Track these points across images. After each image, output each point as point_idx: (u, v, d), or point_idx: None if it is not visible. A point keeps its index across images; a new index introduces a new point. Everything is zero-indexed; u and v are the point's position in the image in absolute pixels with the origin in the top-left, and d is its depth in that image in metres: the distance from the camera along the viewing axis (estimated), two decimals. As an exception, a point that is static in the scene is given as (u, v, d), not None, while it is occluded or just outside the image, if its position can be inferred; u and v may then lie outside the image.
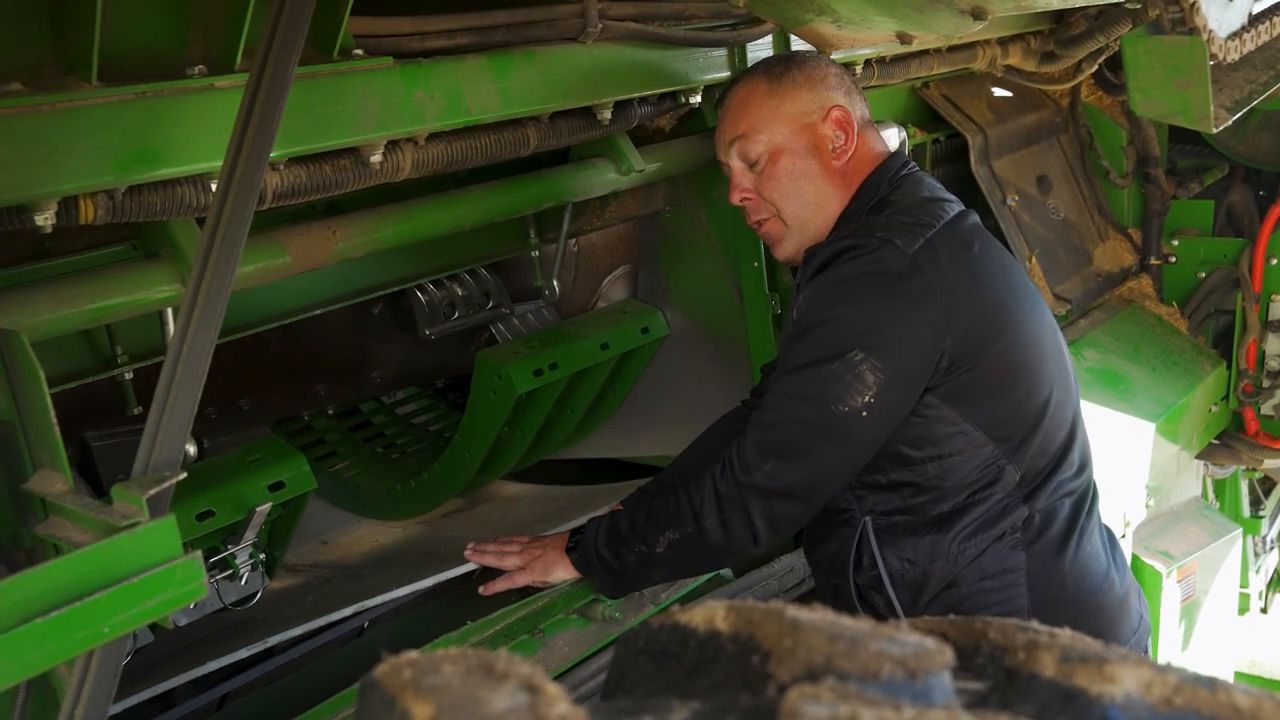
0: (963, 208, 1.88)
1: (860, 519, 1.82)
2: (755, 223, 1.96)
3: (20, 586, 1.00)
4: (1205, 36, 1.31)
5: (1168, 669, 0.68)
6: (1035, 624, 0.78)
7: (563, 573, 1.95)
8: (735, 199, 1.95)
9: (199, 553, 1.12)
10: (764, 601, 2.10)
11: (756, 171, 1.90)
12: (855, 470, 1.78)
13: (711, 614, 0.74)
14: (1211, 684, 0.69)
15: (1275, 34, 1.54)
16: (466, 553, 2.03)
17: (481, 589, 2.00)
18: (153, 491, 1.09)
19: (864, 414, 1.68)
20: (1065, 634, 0.74)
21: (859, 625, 0.67)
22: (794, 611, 0.69)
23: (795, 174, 1.87)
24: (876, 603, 1.84)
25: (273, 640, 1.85)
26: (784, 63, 1.91)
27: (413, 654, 0.67)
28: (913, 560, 1.79)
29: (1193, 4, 1.30)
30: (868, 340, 1.68)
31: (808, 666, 0.63)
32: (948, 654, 0.65)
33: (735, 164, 1.93)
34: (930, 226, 1.76)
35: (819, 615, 0.69)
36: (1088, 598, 1.84)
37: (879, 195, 1.86)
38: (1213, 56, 1.34)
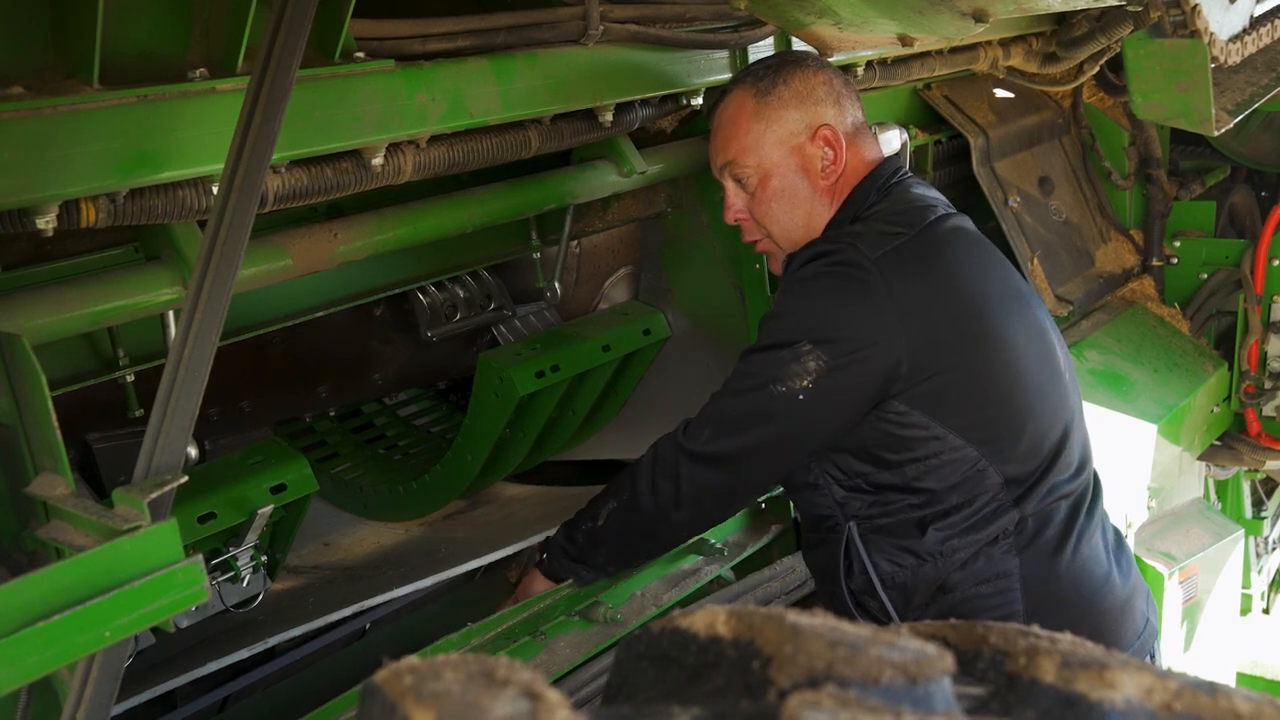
0: (946, 212, 1.88)
1: (844, 524, 1.83)
2: (750, 241, 2.00)
3: (22, 590, 1.00)
4: (1207, 39, 1.31)
5: (1169, 674, 0.68)
6: (1036, 629, 0.78)
7: (540, 585, 2.00)
8: (729, 219, 1.98)
9: (200, 556, 1.12)
10: (766, 604, 2.10)
11: (748, 192, 1.92)
12: (787, 456, 1.81)
13: (712, 619, 0.74)
14: (1212, 689, 0.69)
15: (1276, 36, 1.53)
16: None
17: None
18: (154, 495, 1.09)
19: (800, 397, 1.72)
20: (1066, 639, 0.74)
21: (860, 631, 0.67)
22: (794, 617, 0.69)
23: (785, 196, 1.89)
24: (871, 607, 1.84)
25: (274, 640, 1.85)
26: (771, 74, 1.89)
27: (413, 659, 0.67)
28: (900, 563, 1.80)
29: (1194, 7, 1.30)
30: (816, 334, 1.72)
31: (808, 672, 0.63)
32: (948, 659, 0.65)
33: (728, 184, 1.95)
34: (902, 234, 1.77)
35: (819, 621, 0.69)
36: (1086, 601, 1.83)
37: (866, 204, 1.87)
38: (1214, 59, 1.34)
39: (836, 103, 1.89)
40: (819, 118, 1.87)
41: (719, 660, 0.71)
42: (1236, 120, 1.50)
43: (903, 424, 1.74)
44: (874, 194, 1.87)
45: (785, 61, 1.93)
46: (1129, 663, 0.67)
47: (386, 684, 0.62)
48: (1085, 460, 1.90)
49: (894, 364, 1.71)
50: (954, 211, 1.90)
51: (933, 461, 1.76)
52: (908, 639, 0.66)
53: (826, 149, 1.87)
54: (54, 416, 1.21)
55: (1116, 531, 1.97)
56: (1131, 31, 2.63)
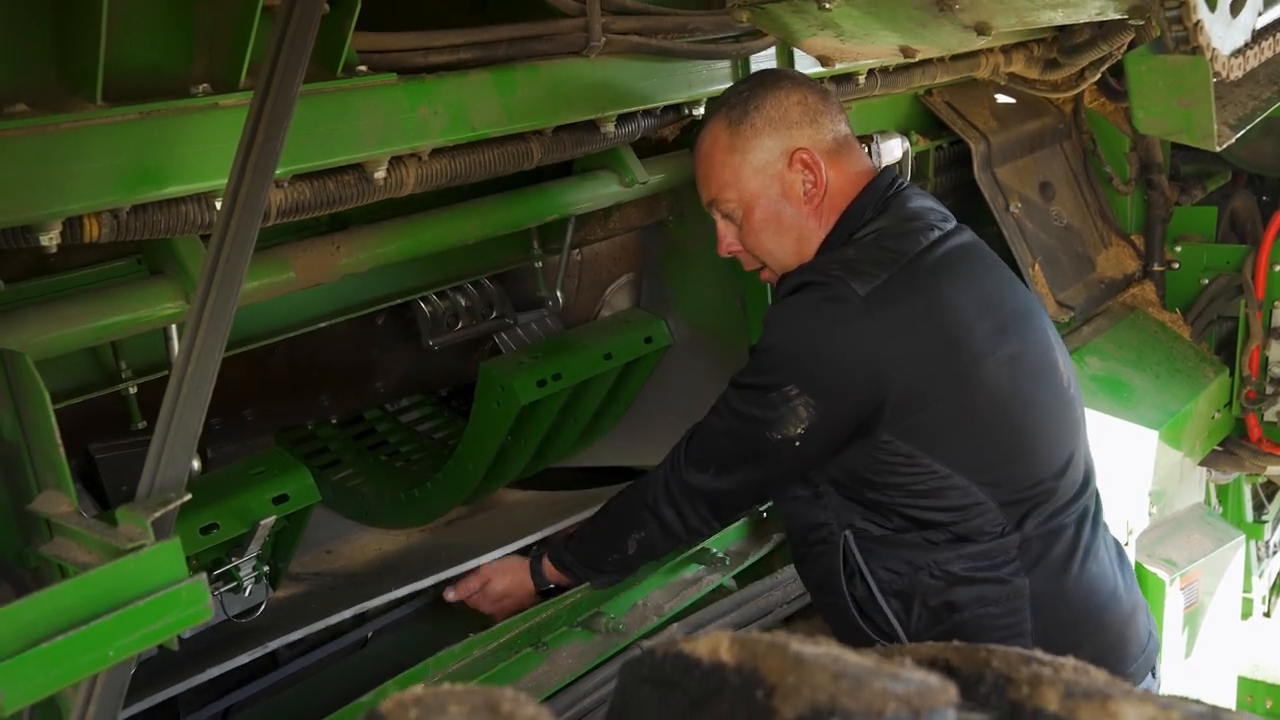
0: (945, 230, 1.84)
1: (839, 534, 1.83)
2: (752, 270, 1.98)
3: (25, 611, 1.00)
4: (1209, 55, 1.31)
5: (1171, 704, 0.68)
6: (1039, 654, 0.78)
7: (527, 594, 2.09)
8: (723, 252, 1.95)
9: (204, 575, 1.12)
10: (768, 613, 2.08)
11: (737, 224, 1.89)
12: (789, 481, 1.88)
13: (716, 645, 0.74)
14: (1215, 716, 0.69)
15: (1278, 50, 1.54)
16: (447, 595, 2.13)
17: (446, 594, 2.13)
18: (157, 514, 1.09)
19: (796, 443, 1.75)
20: (1069, 667, 0.74)
21: (863, 662, 0.67)
22: (798, 645, 0.69)
23: (772, 224, 1.86)
24: (877, 618, 1.83)
25: (275, 645, 1.85)
26: (743, 102, 1.84)
27: (418, 690, 0.67)
28: (896, 570, 1.79)
29: (1197, 22, 1.30)
30: (804, 379, 1.72)
31: (812, 704, 0.64)
32: (951, 691, 0.65)
33: (717, 218, 1.93)
34: (896, 262, 1.74)
35: (823, 650, 0.69)
36: (1095, 616, 1.83)
37: (861, 220, 1.83)
38: (1216, 75, 1.34)
39: (813, 121, 1.84)
40: (794, 141, 1.82)
41: (722, 688, 0.71)
42: (1238, 135, 1.50)
43: (890, 453, 1.73)
44: (870, 209, 1.83)
45: (758, 86, 1.87)
46: (1131, 693, 0.68)
47: (391, 716, 0.62)
48: (1089, 476, 1.89)
49: (880, 400, 1.70)
50: (952, 229, 1.86)
51: (920, 488, 1.75)
52: (911, 670, 0.66)
53: (806, 172, 1.82)
54: (57, 434, 1.21)
55: (1118, 544, 1.96)
56: (1132, 40, 2.63)
